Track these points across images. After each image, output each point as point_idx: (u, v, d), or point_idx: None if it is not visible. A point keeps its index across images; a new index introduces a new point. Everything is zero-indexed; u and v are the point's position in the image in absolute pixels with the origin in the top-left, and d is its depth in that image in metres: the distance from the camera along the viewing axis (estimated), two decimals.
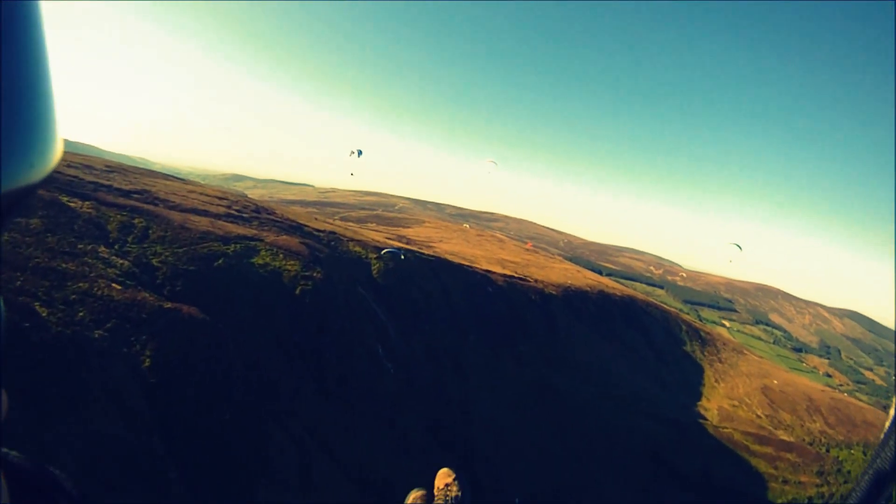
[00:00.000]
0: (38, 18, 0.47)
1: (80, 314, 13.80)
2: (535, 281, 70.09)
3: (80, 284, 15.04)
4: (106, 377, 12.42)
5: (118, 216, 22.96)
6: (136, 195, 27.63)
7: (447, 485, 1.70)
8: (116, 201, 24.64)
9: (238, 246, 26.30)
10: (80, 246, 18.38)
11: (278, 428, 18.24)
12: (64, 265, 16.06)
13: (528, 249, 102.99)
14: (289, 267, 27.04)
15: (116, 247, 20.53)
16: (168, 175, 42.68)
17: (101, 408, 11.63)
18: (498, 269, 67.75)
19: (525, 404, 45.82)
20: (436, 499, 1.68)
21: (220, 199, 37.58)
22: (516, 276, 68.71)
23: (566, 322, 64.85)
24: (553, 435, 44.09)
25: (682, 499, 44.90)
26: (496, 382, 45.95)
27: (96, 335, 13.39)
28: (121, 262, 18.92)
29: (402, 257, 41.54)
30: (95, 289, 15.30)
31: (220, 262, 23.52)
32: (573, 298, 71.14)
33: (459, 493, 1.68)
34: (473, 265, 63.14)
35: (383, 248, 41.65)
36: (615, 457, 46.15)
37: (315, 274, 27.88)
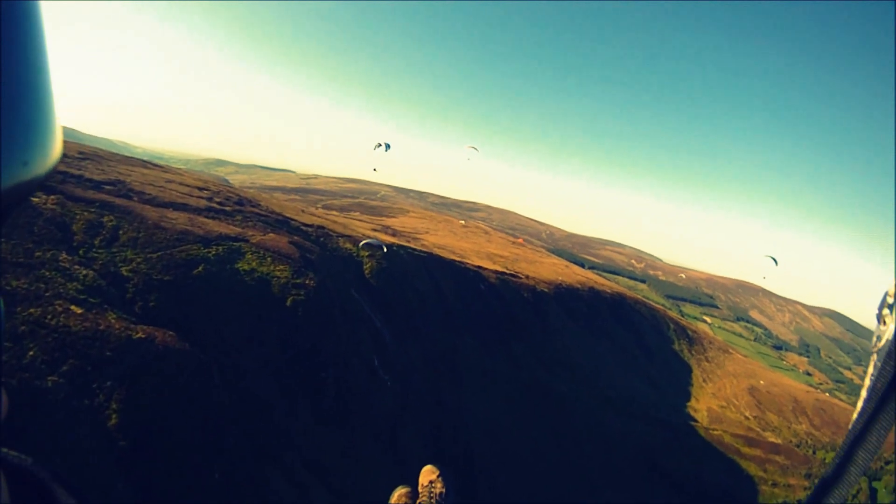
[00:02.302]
0: (38, 17, 0.47)
1: (31, 353, 11.13)
2: (527, 277, 68.36)
3: (32, 311, 12.29)
4: (63, 445, 9.84)
5: (85, 213, 19.91)
6: (108, 186, 24.41)
7: (431, 482, 1.71)
8: (85, 195, 21.50)
9: (221, 248, 23.45)
10: (37, 254, 15.49)
11: (275, 469, 15.92)
12: (15, 282, 13.27)
13: (519, 244, 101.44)
14: (278, 273, 24.32)
15: (81, 252, 17.61)
16: (147, 162, 38.98)
17: (59, 491, 9.14)
18: (488, 265, 65.70)
19: (520, 406, 44.37)
20: (420, 496, 1.66)
21: (201, 189, 34.35)
22: (507, 271, 66.86)
23: (559, 321, 63.51)
24: (548, 437, 42.88)
25: (674, 502, 44.54)
26: (490, 384, 44.27)
27: (49, 383, 10.76)
28: (84, 272, 16.08)
29: (384, 249, 39.07)
30: (50, 316, 12.55)
31: (200, 269, 20.71)
32: (565, 296, 69.78)
33: (444, 490, 1.68)
34: (464, 260, 60.97)
35: (362, 241, 38.62)
36: (609, 459, 45.37)
37: (307, 281, 25.25)
